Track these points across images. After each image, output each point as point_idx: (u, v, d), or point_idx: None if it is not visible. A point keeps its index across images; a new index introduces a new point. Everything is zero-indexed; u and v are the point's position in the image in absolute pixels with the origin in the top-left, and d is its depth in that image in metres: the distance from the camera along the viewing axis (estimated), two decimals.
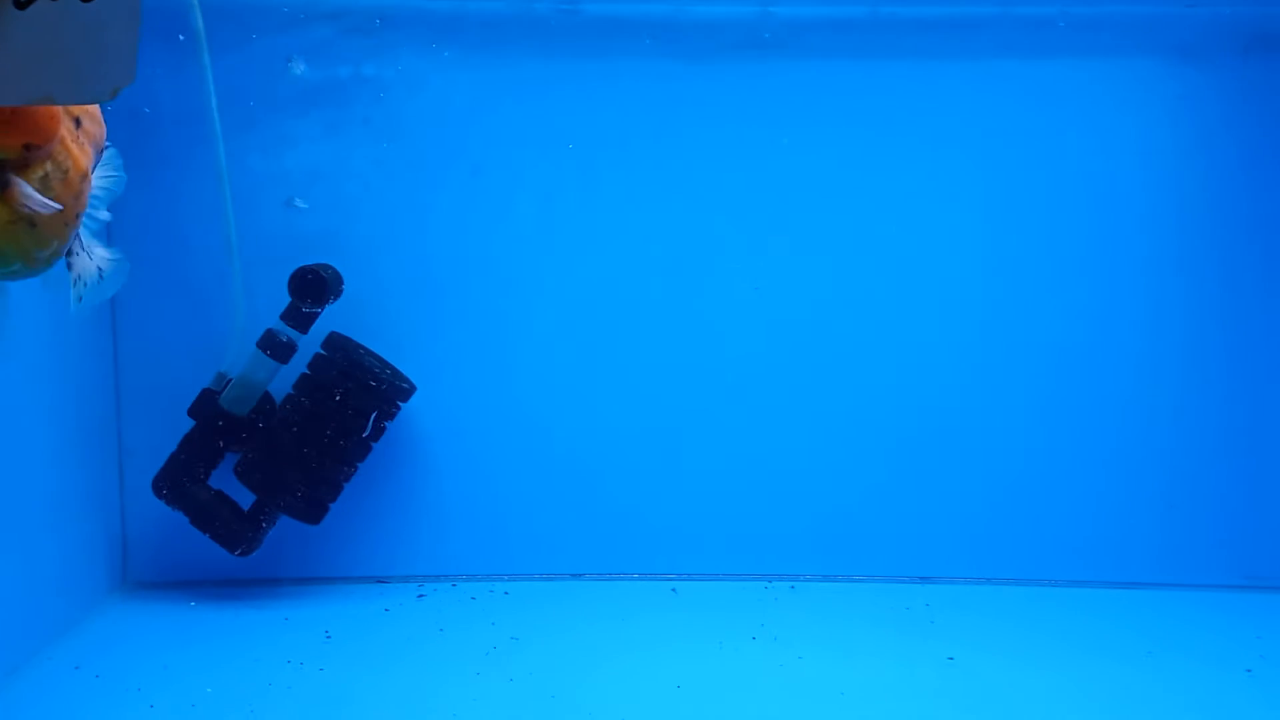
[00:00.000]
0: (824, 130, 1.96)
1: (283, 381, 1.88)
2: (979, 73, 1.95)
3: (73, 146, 1.00)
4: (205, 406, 1.86)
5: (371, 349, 1.91)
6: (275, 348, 1.86)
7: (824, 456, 2.00)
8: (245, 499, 1.87)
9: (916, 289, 1.98)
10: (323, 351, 1.87)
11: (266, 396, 1.88)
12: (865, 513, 2.01)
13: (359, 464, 1.88)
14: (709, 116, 1.96)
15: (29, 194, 0.95)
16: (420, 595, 1.94)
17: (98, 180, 1.10)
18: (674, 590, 1.97)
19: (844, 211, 1.98)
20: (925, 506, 2.01)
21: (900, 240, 1.98)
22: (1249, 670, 1.68)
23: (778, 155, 1.95)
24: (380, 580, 2.00)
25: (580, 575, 2.02)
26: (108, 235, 1.34)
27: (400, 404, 1.89)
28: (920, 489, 2.01)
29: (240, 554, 1.86)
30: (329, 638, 1.75)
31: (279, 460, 1.83)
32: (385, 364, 1.91)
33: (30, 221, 0.92)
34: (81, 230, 1.09)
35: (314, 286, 1.84)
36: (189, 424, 1.86)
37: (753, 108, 1.95)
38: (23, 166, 0.94)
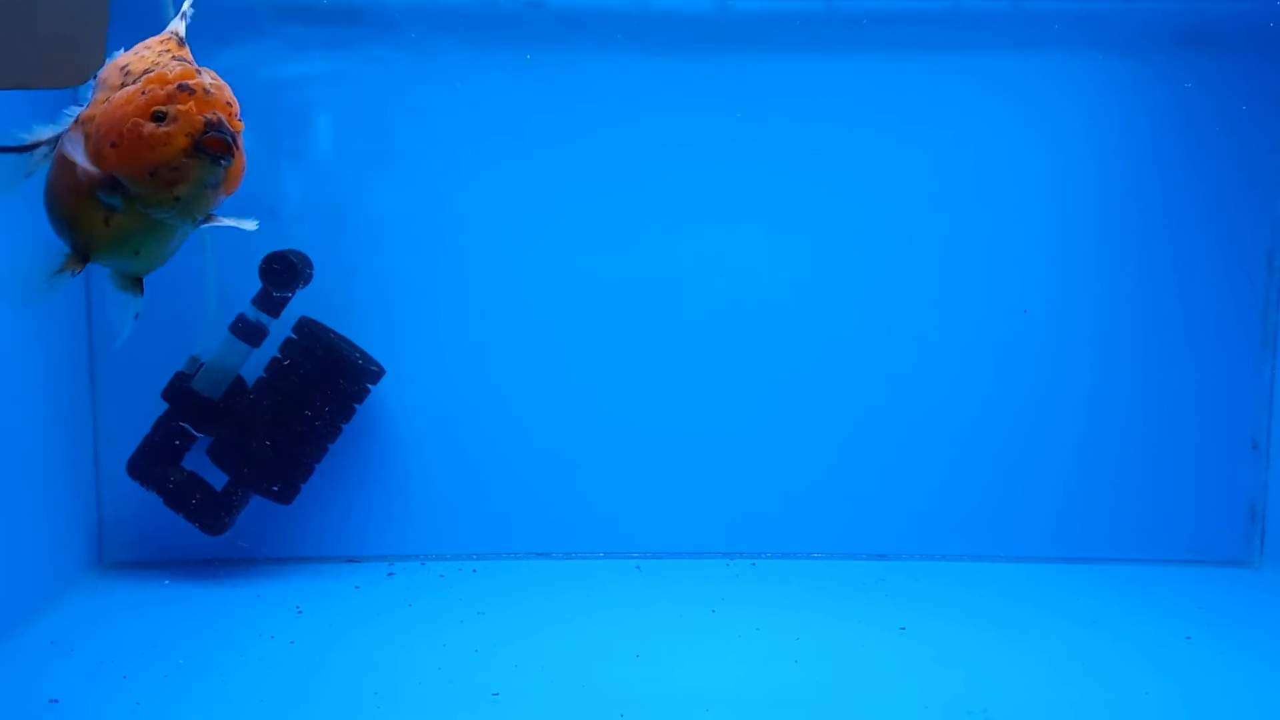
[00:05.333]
0: (788, 120, 2.01)
1: (254, 365, 1.91)
2: (941, 65, 2.01)
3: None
4: (178, 389, 1.89)
5: (341, 333, 1.94)
6: (247, 332, 1.89)
7: (784, 437, 2.05)
8: (218, 480, 1.90)
9: (874, 273, 2.04)
10: (293, 336, 1.90)
11: (239, 380, 1.91)
12: (824, 491, 2.06)
13: (329, 445, 1.91)
14: (677, 109, 2.00)
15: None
16: (390, 574, 1.98)
17: None
18: (638, 568, 2.02)
19: (805, 199, 2.03)
20: (882, 485, 2.06)
21: (853, 226, 2.03)
22: (1188, 637, 1.74)
23: (748, 146, 2.00)
24: (351, 560, 2.03)
25: (547, 554, 2.07)
26: None
27: (370, 386, 1.93)
28: (877, 467, 2.06)
29: (213, 533, 1.89)
30: (300, 613, 1.79)
31: (251, 442, 1.86)
32: (355, 347, 1.95)
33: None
34: None
35: (284, 272, 1.88)
36: (163, 407, 1.89)
37: (721, 100, 2.00)
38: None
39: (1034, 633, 1.74)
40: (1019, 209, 2.03)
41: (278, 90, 1.95)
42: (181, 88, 1.13)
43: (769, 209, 2.03)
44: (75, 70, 1.44)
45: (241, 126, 1.16)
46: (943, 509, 2.07)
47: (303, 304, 1.95)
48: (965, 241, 2.04)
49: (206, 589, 1.89)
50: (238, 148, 1.15)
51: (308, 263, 1.94)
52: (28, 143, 1.25)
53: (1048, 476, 2.07)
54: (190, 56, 1.20)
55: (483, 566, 2.02)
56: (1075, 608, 1.86)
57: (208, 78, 1.15)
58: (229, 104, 1.16)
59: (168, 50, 1.20)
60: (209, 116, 1.13)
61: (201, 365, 1.90)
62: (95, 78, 1.28)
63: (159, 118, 1.13)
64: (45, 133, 1.25)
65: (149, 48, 1.22)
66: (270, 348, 1.92)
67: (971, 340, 2.05)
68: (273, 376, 1.89)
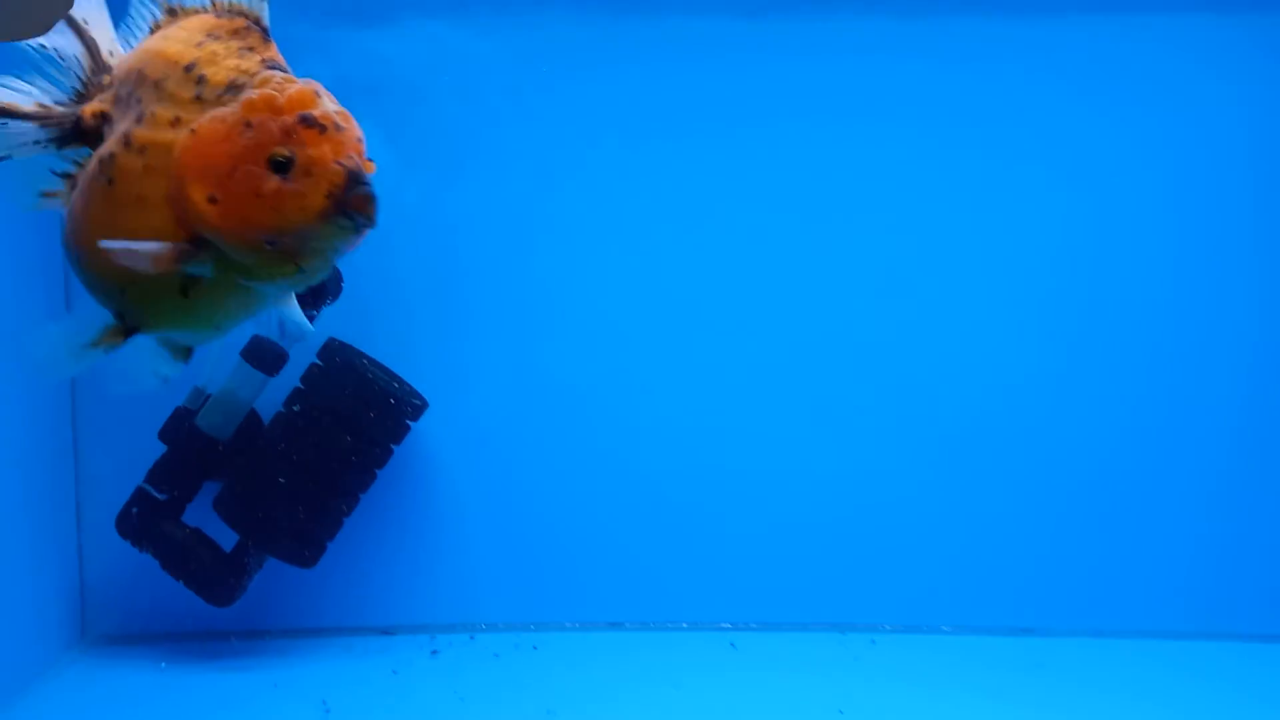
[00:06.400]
0: (934, 93, 1.72)
1: (271, 398, 1.64)
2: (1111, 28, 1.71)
3: None
4: (179, 428, 1.63)
5: (376, 359, 1.67)
6: (262, 358, 1.63)
7: (911, 490, 1.76)
8: (227, 538, 1.64)
9: (1032, 288, 1.74)
10: (319, 362, 1.64)
11: (252, 415, 1.65)
12: (958, 555, 1.76)
13: (361, 495, 1.65)
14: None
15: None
16: (434, 652, 1.68)
17: None
18: (733, 644, 1.71)
19: (946, 198, 1.73)
20: (1030, 547, 1.76)
21: (1006, 234, 1.73)
22: None
23: (874, 136, 1.72)
24: (385, 632, 1.75)
25: (619, 624, 1.77)
26: None
27: (410, 423, 1.66)
28: (1025, 526, 1.76)
29: (220, 604, 1.63)
30: (327, 711, 1.47)
31: (267, 492, 1.60)
32: (392, 376, 1.68)
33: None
34: None
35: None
36: (159, 449, 1.63)
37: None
38: None
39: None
40: (1212, 197, 1.73)
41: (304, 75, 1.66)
42: (305, 121, 0.85)
43: (894, 216, 1.74)
44: (38, 18, 1.14)
45: (374, 167, 0.88)
46: (1111, 578, 1.76)
47: (330, 324, 1.67)
48: (1153, 244, 1.73)
49: (211, 672, 1.61)
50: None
51: (337, 275, 1.67)
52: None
53: (1244, 543, 1.75)
54: (281, 58, 0.92)
55: (544, 641, 1.72)
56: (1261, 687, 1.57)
57: (329, 102, 0.87)
58: (359, 140, 0.88)
59: (251, 49, 0.91)
60: (348, 165, 0.85)
61: (207, 398, 1.64)
62: (114, 65, 0.99)
63: (281, 166, 0.85)
64: (19, 97, 0.97)
65: (216, 37, 0.92)
66: (290, 376, 1.64)
67: (1153, 372, 1.74)
68: (293, 412, 1.62)
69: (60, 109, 0.97)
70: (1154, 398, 1.74)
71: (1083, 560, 1.75)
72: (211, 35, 0.92)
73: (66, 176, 0.99)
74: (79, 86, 0.98)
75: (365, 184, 0.86)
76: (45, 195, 1.00)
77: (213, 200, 0.87)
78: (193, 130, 0.88)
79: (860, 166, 1.72)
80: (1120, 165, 1.72)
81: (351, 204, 0.86)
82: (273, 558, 1.64)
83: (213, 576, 1.62)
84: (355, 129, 0.88)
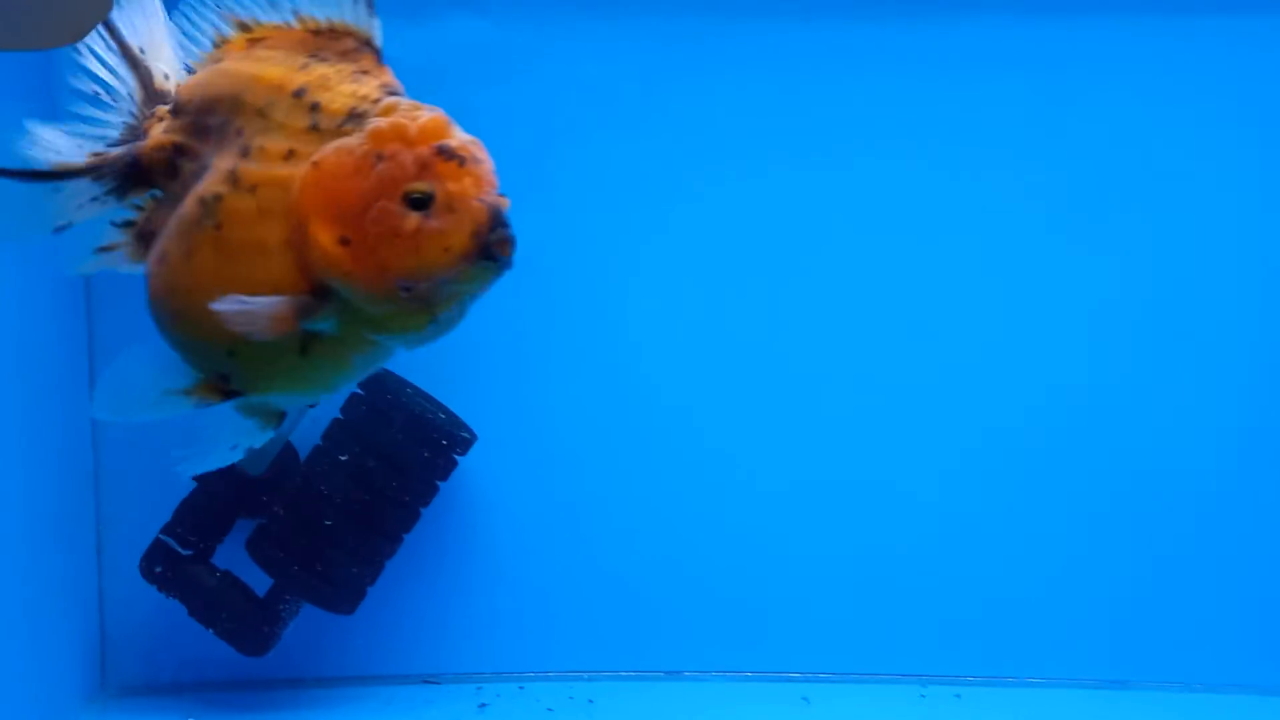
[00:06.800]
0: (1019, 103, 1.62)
1: (308, 430, 1.56)
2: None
3: None
4: None
5: (420, 387, 1.58)
6: None
7: (997, 526, 1.65)
8: (260, 582, 1.56)
9: (1144, 306, 1.63)
10: (359, 391, 1.56)
11: (288, 449, 1.58)
12: (1053, 599, 1.66)
13: (404, 535, 1.57)
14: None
15: None
16: (482, 705, 1.59)
17: None
18: (805, 699, 1.61)
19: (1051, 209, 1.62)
20: (1126, 595, 1.65)
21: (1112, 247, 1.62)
22: None
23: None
24: (429, 681, 1.66)
25: (677, 674, 1.67)
26: None
27: (458, 458, 1.57)
28: (1120, 571, 1.65)
29: (254, 654, 1.55)
30: None
31: (304, 533, 1.52)
32: (438, 406, 1.58)
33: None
34: None
35: None
36: (188, 486, 1.56)
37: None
38: None
39: None
40: None
41: None
42: (443, 152, 0.76)
43: (997, 228, 1.63)
44: (79, 24, 1.02)
45: (508, 203, 0.79)
46: (1218, 628, 1.64)
47: None
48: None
49: None
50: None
51: None
52: (48, 168, 0.84)
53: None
54: (398, 83, 0.83)
55: (599, 692, 1.62)
56: None
57: (460, 132, 0.79)
58: (494, 173, 0.79)
59: (365, 73, 0.81)
60: (490, 201, 0.77)
61: None
62: (175, 89, 0.88)
63: (419, 203, 0.77)
64: (69, 150, 0.85)
65: (322, 59, 0.83)
66: (330, 407, 1.56)
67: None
68: (332, 445, 1.54)
69: (114, 152, 0.86)
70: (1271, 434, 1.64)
71: (1187, 607, 1.65)
72: (315, 56, 0.82)
73: (128, 225, 0.88)
74: (132, 121, 0.87)
75: (507, 223, 0.77)
76: (102, 251, 0.89)
77: (345, 242, 0.76)
78: (315, 164, 0.78)
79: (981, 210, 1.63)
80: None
81: (496, 246, 0.77)
82: (309, 604, 1.56)
83: (245, 624, 1.55)
84: (489, 160, 0.78)
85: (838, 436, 1.66)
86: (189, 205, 0.82)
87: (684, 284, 1.65)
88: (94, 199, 0.86)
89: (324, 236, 0.76)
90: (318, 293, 0.77)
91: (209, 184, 0.81)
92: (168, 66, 0.89)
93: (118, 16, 0.86)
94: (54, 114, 0.87)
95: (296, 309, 0.77)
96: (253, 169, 0.79)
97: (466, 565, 1.67)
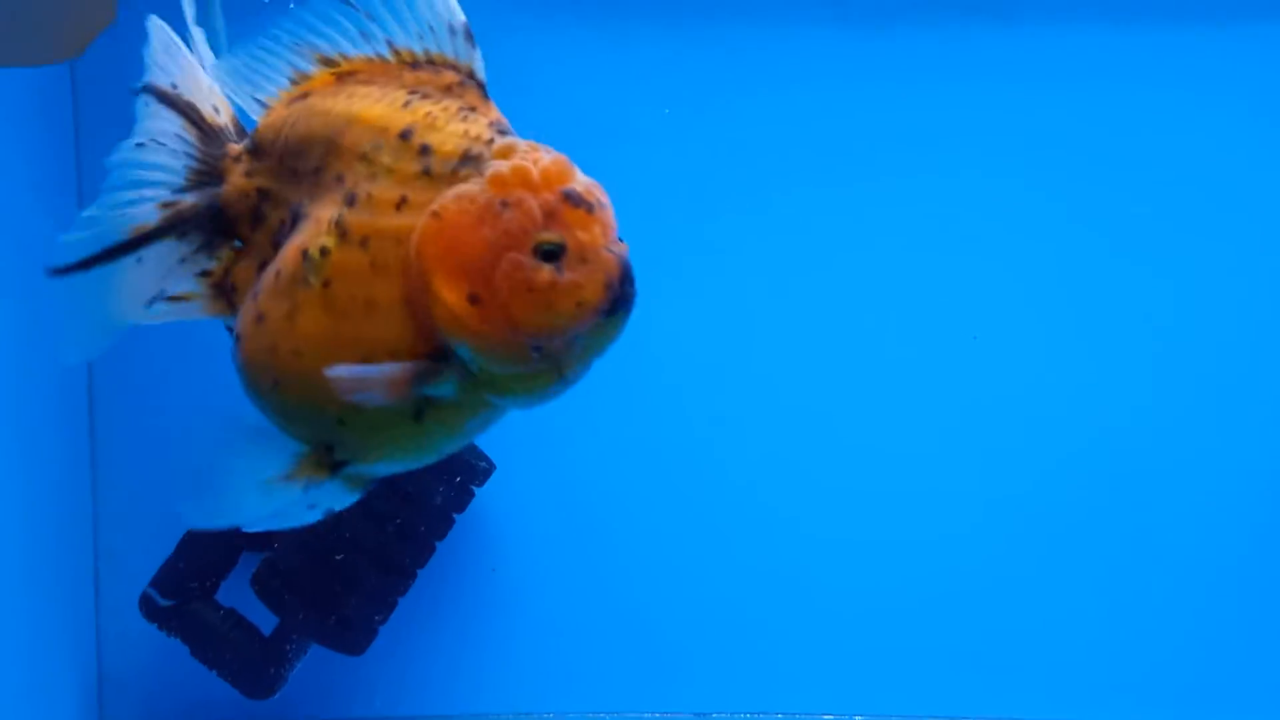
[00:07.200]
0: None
1: None
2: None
3: None
4: None
5: None
6: None
7: (1029, 564, 1.63)
8: (266, 620, 1.53)
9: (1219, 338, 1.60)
10: None
11: None
12: (1082, 642, 1.63)
13: (418, 571, 1.54)
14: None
15: None
16: None
17: None
18: None
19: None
20: (1191, 637, 1.61)
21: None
22: None
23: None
24: None
25: (704, 715, 1.65)
26: None
27: (475, 489, 1.55)
28: (1181, 613, 1.61)
29: (259, 696, 1.53)
30: None
31: (311, 567, 1.51)
32: None
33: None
34: None
35: None
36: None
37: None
38: None
39: None
40: None
41: None
42: (570, 199, 0.72)
43: (1056, 245, 1.60)
44: (73, 37, 0.99)
45: (627, 249, 0.76)
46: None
47: None
48: None
49: None
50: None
51: None
52: (126, 237, 0.80)
53: None
54: (505, 120, 0.78)
55: None
56: None
57: (582, 175, 0.74)
58: (614, 217, 0.75)
59: (473, 110, 0.76)
60: (619, 252, 0.73)
61: None
62: (248, 128, 0.82)
63: (550, 255, 0.72)
64: (144, 213, 0.80)
65: (425, 96, 0.77)
66: None
67: None
68: None
69: (189, 200, 0.80)
70: None
71: (1206, 651, 1.62)
72: (417, 93, 0.75)
73: (204, 275, 0.82)
74: (194, 165, 0.81)
75: (633, 275, 0.73)
76: (174, 301, 0.82)
77: (474, 300, 0.70)
78: (435, 214, 0.71)
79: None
80: None
81: (626, 297, 0.73)
82: (318, 644, 1.54)
83: (250, 664, 1.53)
84: (610, 205, 0.74)
85: (871, 478, 1.65)
86: (289, 260, 0.75)
87: (711, 309, 1.64)
88: (181, 260, 0.81)
89: (451, 294, 0.71)
90: (436, 354, 0.72)
91: (310, 236, 0.75)
92: (214, 99, 0.83)
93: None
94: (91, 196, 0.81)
95: (417, 374, 0.72)
96: (362, 219, 0.73)
97: (483, 602, 1.66)
